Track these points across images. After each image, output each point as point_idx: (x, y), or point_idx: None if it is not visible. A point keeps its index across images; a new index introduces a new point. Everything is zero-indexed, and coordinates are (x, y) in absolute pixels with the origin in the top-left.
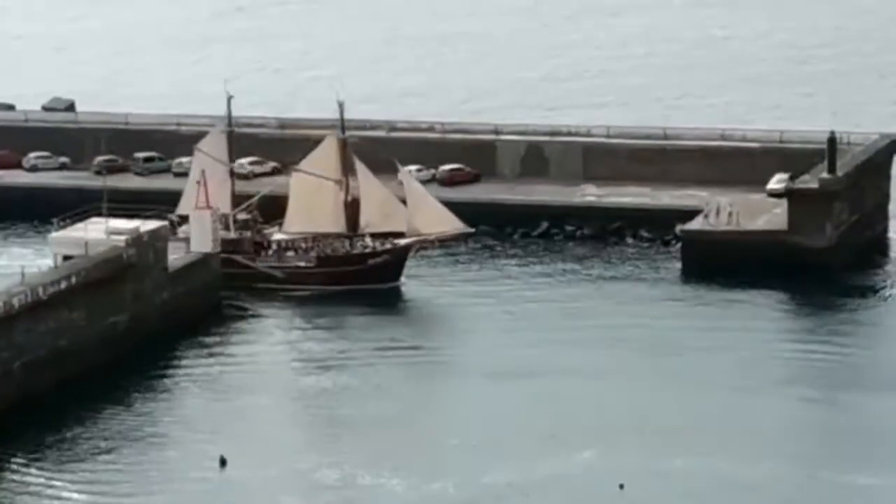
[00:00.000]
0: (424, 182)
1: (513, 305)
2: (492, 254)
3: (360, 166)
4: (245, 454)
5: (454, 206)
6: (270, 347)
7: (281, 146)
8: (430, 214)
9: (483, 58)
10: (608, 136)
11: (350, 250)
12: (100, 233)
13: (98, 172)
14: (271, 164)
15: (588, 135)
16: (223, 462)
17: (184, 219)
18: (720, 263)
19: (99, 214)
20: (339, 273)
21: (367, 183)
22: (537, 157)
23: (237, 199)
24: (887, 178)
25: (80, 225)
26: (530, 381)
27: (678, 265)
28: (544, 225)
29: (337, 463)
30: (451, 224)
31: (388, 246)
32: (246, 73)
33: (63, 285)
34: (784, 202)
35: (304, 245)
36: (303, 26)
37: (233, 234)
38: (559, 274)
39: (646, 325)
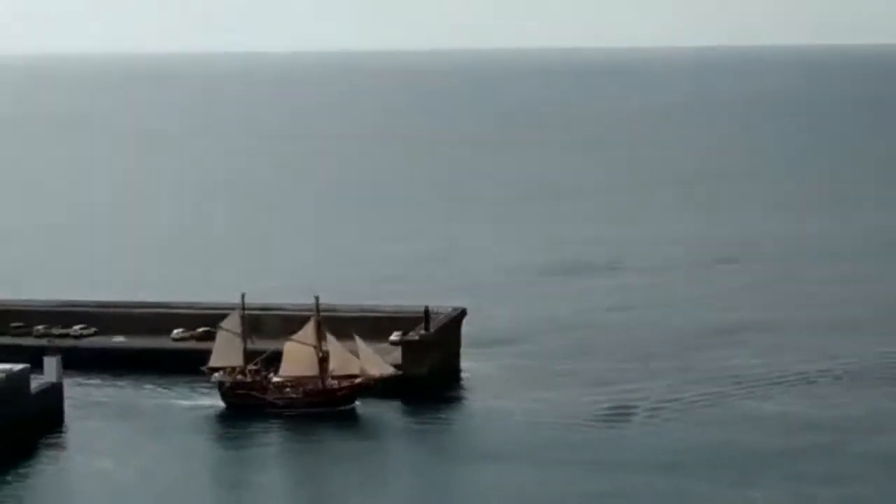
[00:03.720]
0: None
1: None
2: None
3: (328, 335)
4: None
5: None
6: None
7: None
8: (372, 363)
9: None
10: None
11: (324, 386)
12: None
13: None
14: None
15: None
16: None
17: (214, 369)
18: None
19: None
20: (318, 401)
21: (332, 344)
22: None
23: (248, 356)
24: (458, 335)
25: None
26: None
27: None
28: None
29: None
30: (385, 369)
31: (346, 383)
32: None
33: None
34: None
35: (290, 384)
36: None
37: (248, 378)
38: None
39: None
